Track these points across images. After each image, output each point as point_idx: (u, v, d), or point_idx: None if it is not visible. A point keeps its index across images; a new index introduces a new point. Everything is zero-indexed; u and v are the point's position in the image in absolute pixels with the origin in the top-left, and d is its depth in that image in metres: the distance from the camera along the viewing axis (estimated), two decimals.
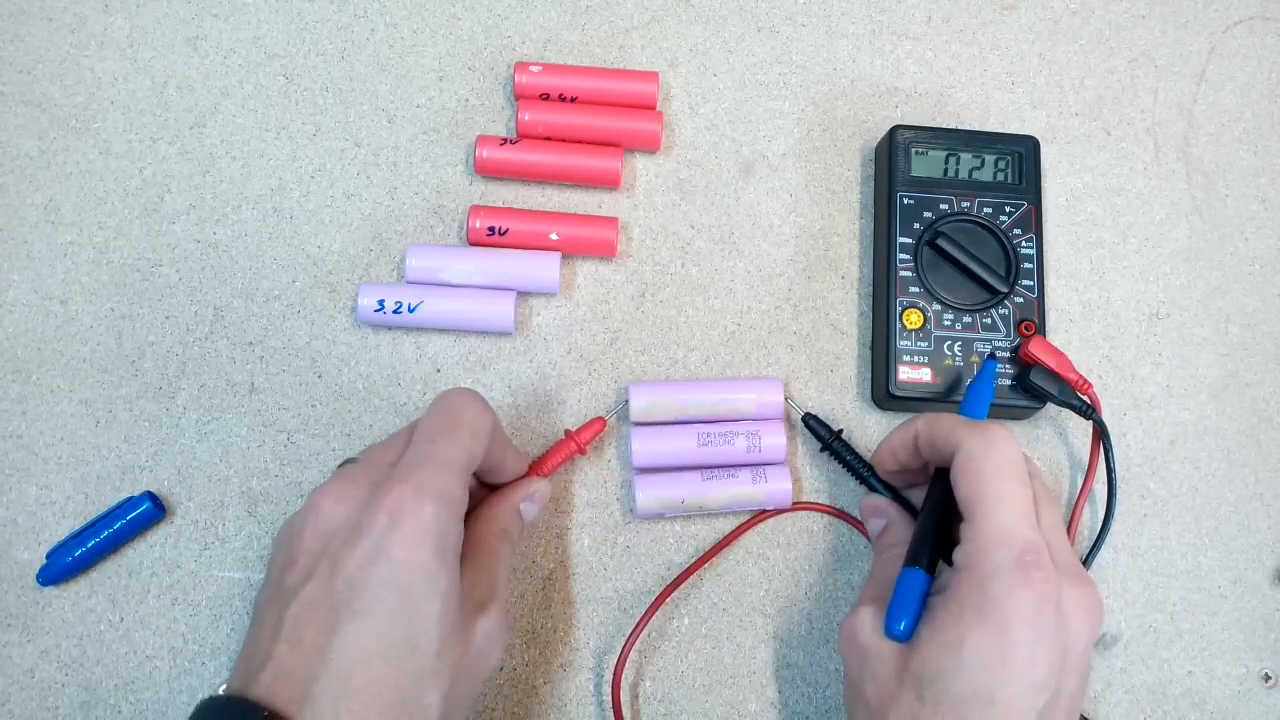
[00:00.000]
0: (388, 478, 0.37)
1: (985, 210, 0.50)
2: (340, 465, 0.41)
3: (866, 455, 0.48)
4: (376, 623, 0.34)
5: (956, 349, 0.48)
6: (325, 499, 0.37)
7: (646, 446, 0.47)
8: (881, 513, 0.46)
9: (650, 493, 0.46)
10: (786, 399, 0.48)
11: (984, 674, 0.35)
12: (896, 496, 0.47)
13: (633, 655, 0.46)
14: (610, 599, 0.47)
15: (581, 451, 0.47)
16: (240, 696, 0.34)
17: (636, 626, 0.45)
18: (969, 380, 0.48)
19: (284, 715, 0.33)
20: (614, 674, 0.44)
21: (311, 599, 0.35)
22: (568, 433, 0.47)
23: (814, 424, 0.48)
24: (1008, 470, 0.39)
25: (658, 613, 0.46)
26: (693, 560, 0.47)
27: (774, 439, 0.47)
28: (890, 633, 0.38)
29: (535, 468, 0.46)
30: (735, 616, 0.47)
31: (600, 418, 0.47)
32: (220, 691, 0.35)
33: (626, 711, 0.45)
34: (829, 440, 0.48)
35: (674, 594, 0.46)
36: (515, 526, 0.43)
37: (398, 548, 0.35)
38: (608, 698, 0.45)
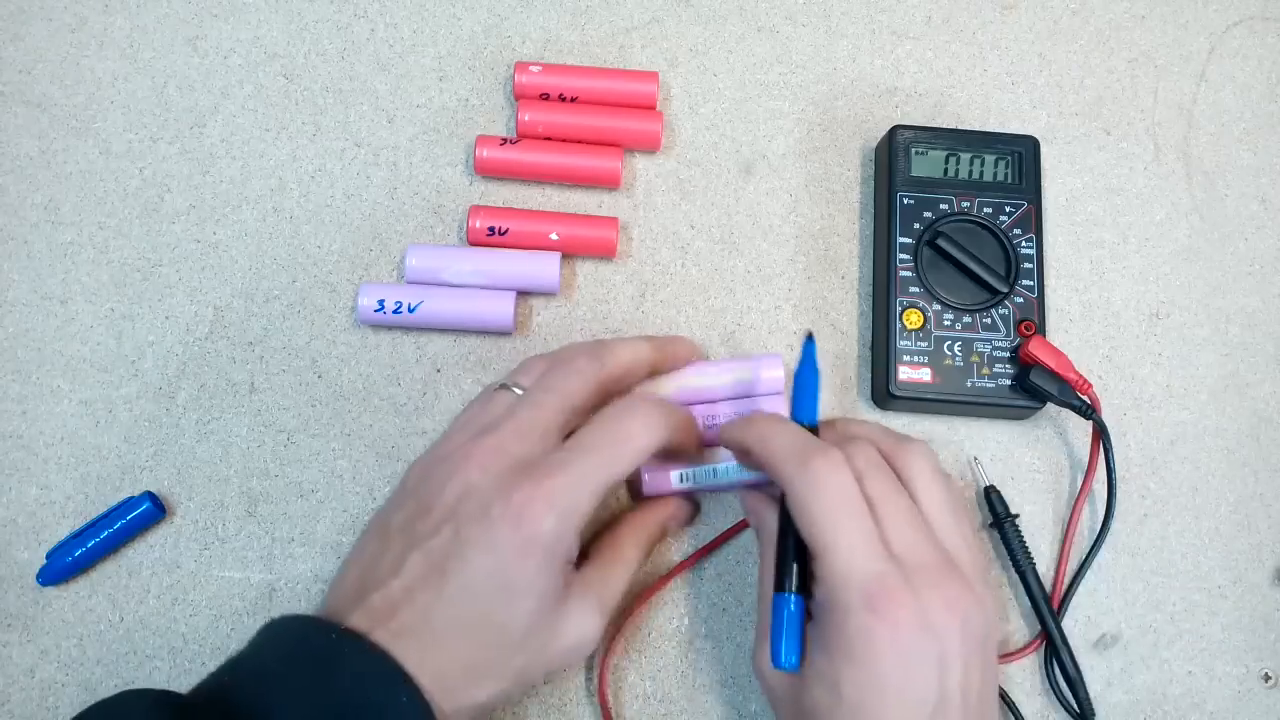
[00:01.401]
0: (530, 471, 0.38)
1: (985, 210, 0.50)
2: (496, 388, 0.43)
3: None
4: (475, 601, 0.36)
5: (956, 349, 0.48)
6: (472, 464, 0.38)
7: None
8: (759, 516, 0.44)
9: (657, 474, 0.46)
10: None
11: (864, 710, 0.36)
12: None
13: (632, 655, 0.46)
14: None
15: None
16: (347, 629, 0.36)
17: (623, 623, 0.45)
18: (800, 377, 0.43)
19: (378, 646, 0.35)
20: (599, 671, 0.44)
21: (430, 552, 0.37)
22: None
23: None
24: (838, 506, 0.37)
25: (657, 613, 0.46)
26: (690, 559, 0.47)
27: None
28: (777, 665, 0.38)
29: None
30: (735, 616, 0.47)
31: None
32: (322, 604, 0.39)
33: (626, 712, 0.45)
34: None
35: (674, 594, 0.46)
36: (657, 542, 0.45)
37: (510, 547, 0.37)
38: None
